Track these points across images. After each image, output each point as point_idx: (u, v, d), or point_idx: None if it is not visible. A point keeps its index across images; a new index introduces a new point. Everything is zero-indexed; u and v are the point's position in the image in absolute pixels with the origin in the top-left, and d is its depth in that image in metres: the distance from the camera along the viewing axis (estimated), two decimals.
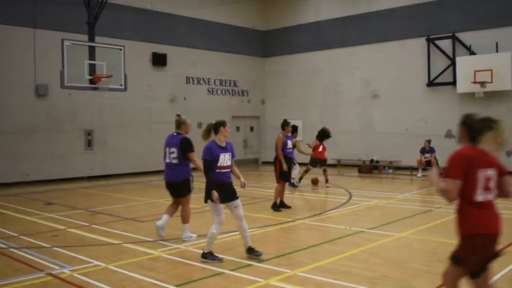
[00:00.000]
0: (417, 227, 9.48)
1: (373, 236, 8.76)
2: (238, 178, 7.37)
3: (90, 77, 13.74)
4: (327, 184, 16.19)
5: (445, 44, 20.71)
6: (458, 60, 19.97)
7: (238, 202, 7.26)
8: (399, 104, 21.93)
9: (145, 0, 21.95)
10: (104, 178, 20.04)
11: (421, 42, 21.30)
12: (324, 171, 16.52)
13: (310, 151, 16.86)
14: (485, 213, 4.28)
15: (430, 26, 21.07)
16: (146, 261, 7.36)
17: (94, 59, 13.87)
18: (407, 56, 21.77)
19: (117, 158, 20.56)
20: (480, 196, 4.24)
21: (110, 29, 19.48)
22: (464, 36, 20.27)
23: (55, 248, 8.20)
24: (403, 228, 9.40)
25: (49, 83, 18.52)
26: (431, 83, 21.00)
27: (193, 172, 8.70)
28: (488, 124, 4.27)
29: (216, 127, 7.34)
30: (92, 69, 13.78)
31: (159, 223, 8.71)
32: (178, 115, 8.87)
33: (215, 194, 6.99)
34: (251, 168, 24.09)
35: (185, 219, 8.69)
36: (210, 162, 7.14)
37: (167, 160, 8.63)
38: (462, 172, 4.18)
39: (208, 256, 7.23)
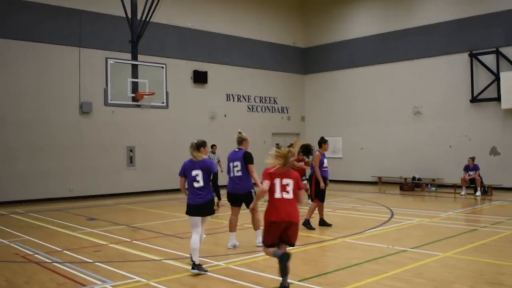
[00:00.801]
0: (462, 246, 9.22)
1: (416, 255, 8.56)
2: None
3: (133, 95, 13.92)
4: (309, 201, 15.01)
5: (489, 59, 20.33)
6: (503, 75, 19.57)
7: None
8: (442, 121, 21.56)
9: (187, 19, 22.32)
10: (145, 194, 20.28)
11: (464, 57, 20.97)
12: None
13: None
14: None
15: (473, 41, 20.74)
16: (187, 278, 7.36)
17: (137, 77, 14.07)
18: (450, 71, 21.45)
19: (158, 174, 20.79)
20: None
21: (153, 47, 19.89)
22: (508, 51, 19.88)
23: (97, 263, 8.30)
24: (448, 247, 9.16)
25: (93, 101, 18.96)
26: (474, 99, 20.59)
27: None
28: None
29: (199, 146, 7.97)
30: (134, 86, 13.97)
31: (230, 244, 9.39)
32: (240, 133, 9.66)
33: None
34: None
35: (256, 225, 9.42)
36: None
37: (231, 174, 9.43)
38: None
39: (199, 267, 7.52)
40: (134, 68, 14.14)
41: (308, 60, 27.36)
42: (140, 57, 15.03)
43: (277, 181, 6.55)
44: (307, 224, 11.42)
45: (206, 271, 7.51)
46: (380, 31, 24.13)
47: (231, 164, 9.46)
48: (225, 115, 23.64)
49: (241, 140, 9.59)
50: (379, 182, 23.33)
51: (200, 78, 22.66)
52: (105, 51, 18.26)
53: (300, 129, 27.19)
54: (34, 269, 8.04)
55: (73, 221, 13.30)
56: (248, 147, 9.64)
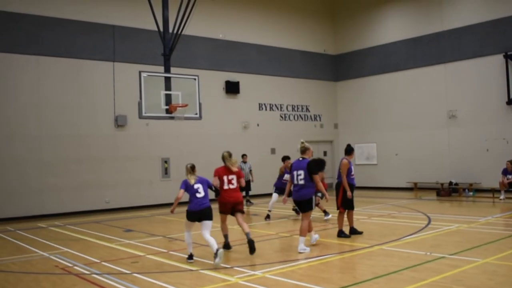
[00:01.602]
0: (502, 252, 9.02)
1: (455, 262, 8.41)
2: None
3: (167, 107, 14.06)
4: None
5: None
6: None
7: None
8: (478, 124, 21.19)
9: (218, 30, 22.52)
10: (180, 205, 20.38)
11: (499, 59, 20.59)
12: None
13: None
14: None
15: (508, 42, 20.36)
16: (224, 287, 7.40)
17: (170, 89, 14.21)
18: (485, 74, 21.10)
19: None
20: None
21: (185, 59, 20.15)
22: None
23: (135, 274, 8.40)
24: (487, 253, 8.97)
25: (128, 114, 19.29)
26: (511, 101, 20.17)
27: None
28: None
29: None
30: (168, 99, 14.12)
31: (313, 239, 10.24)
32: (303, 142, 10.17)
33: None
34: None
35: (302, 232, 9.72)
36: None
37: (295, 182, 9.86)
38: None
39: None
40: (167, 80, 14.30)
41: (340, 67, 27.27)
42: (172, 69, 15.20)
43: (225, 177, 9.75)
44: (342, 234, 11.28)
45: (192, 261, 9.12)
46: (411, 35, 23.90)
47: (295, 173, 9.88)
48: (258, 125, 23.72)
49: (304, 150, 10.08)
50: (415, 188, 23.03)
51: (232, 88, 22.81)
52: (139, 64, 18.55)
53: (333, 136, 27.06)
54: (73, 280, 8.19)
55: (110, 232, 13.50)
56: (311, 156, 10.16)
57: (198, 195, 9.24)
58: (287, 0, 25.55)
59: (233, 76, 22.96)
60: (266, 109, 24.29)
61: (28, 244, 11.99)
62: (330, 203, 12.45)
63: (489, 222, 13.00)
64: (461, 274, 7.64)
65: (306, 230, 9.75)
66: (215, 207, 9.54)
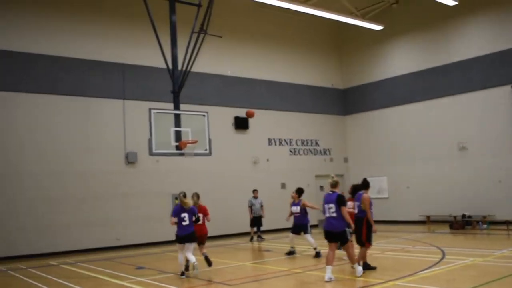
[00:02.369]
0: None
1: None
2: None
3: (177, 144, 14.12)
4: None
5: None
6: None
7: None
8: (489, 155, 21.08)
9: (226, 67, 22.75)
10: None
11: (506, 90, 20.62)
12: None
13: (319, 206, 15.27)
14: None
15: None
16: None
17: (179, 126, 14.28)
18: (493, 105, 21.10)
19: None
20: None
21: (194, 96, 20.30)
22: None
23: None
24: (504, 287, 8.82)
25: (138, 151, 19.38)
26: None
27: None
28: None
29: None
30: (178, 135, 14.18)
31: (327, 277, 10.10)
32: (333, 177, 10.70)
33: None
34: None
35: (352, 260, 10.71)
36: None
37: (327, 215, 10.44)
38: None
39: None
40: (177, 117, 14.38)
41: (348, 101, 27.37)
42: (182, 106, 15.30)
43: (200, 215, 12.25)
44: (367, 267, 11.13)
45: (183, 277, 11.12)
46: (418, 68, 24.02)
47: (326, 206, 10.43)
48: (267, 160, 23.72)
49: (335, 184, 10.56)
50: (428, 221, 22.80)
51: (241, 124, 22.92)
52: (148, 102, 18.72)
53: (343, 170, 26.97)
54: None
55: (121, 270, 13.41)
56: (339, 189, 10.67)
57: (183, 223, 11.46)
58: (294, 35, 25.84)
59: (242, 112, 23.00)
60: (275, 144, 24.32)
61: (41, 283, 11.92)
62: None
63: (504, 256, 12.80)
64: None
65: (354, 258, 10.63)
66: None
